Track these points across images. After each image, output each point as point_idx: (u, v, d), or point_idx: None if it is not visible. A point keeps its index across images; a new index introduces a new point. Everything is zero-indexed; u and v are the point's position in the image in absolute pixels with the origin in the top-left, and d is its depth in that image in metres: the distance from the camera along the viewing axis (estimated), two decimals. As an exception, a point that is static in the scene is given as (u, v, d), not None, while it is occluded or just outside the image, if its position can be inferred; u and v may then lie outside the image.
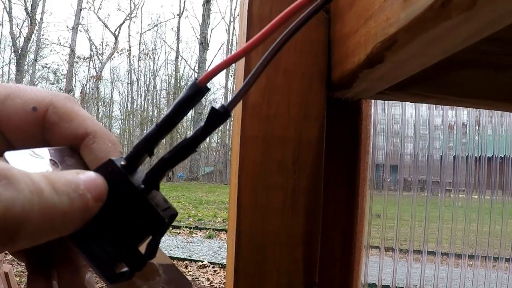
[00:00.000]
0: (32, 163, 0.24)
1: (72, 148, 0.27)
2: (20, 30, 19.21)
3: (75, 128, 0.26)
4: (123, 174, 0.23)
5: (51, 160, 0.25)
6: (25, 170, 0.19)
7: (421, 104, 0.65)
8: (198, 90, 0.24)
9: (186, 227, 7.26)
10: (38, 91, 0.27)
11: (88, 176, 0.22)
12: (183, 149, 0.23)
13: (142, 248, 0.24)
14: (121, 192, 0.23)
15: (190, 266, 4.98)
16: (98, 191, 0.22)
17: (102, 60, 21.18)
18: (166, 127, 0.24)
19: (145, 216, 0.23)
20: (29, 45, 18.80)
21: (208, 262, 5.09)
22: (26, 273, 0.27)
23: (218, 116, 0.23)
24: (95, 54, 21.19)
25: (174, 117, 0.24)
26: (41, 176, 0.20)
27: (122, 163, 0.24)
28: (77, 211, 0.21)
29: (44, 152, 0.25)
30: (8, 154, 0.24)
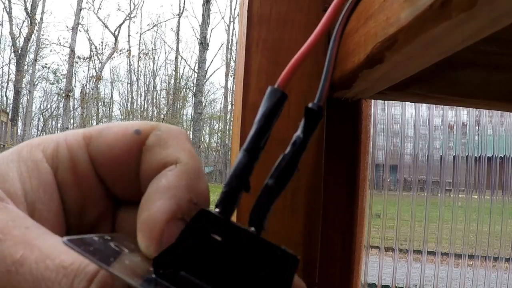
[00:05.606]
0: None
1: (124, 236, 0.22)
2: (20, 30, 19.22)
3: (167, 155, 0.21)
4: (225, 221, 0.19)
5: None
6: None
7: (421, 104, 0.65)
8: (281, 95, 0.21)
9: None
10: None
11: None
12: (287, 168, 0.20)
13: None
14: (230, 245, 0.18)
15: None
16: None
17: (102, 60, 21.18)
18: (256, 149, 0.21)
19: (270, 264, 0.18)
20: (29, 45, 18.81)
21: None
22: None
23: (314, 116, 0.20)
24: (95, 54, 21.20)
25: (262, 134, 0.21)
26: None
27: (217, 210, 0.20)
28: None
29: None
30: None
